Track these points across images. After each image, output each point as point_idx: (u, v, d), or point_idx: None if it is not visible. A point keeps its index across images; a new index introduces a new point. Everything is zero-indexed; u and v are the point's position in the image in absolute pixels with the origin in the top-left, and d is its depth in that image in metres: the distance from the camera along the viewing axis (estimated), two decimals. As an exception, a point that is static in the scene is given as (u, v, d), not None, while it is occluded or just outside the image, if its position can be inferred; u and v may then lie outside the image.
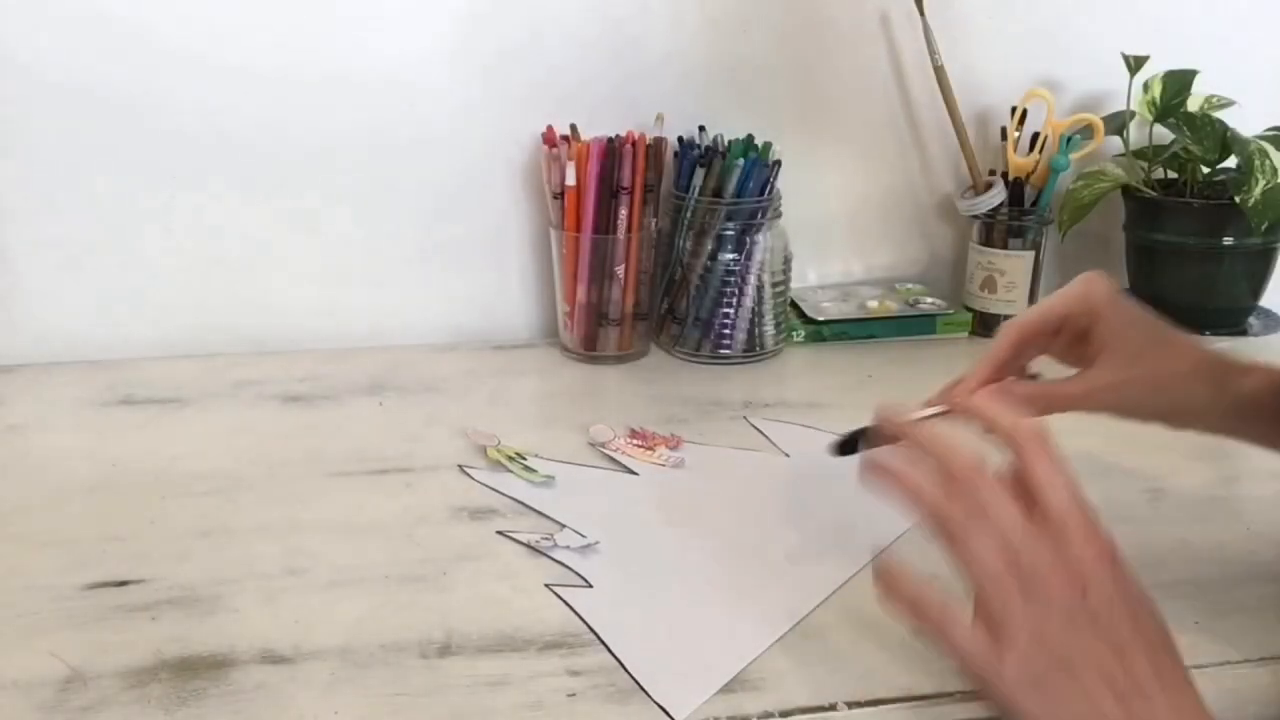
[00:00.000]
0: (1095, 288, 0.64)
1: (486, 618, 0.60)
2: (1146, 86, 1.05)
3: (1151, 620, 0.47)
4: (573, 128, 0.98)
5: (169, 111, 0.94)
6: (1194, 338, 0.65)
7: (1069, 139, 1.02)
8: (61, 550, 0.66)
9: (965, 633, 0.47)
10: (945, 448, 0.51)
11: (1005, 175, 1.05)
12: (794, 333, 1.03)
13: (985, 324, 1.06)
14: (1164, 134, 1.05)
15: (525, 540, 0.68)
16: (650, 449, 0.80)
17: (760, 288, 0.98)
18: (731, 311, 0.97)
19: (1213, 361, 0.64)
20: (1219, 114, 1.02)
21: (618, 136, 0.96)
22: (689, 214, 0.96)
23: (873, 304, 1.06)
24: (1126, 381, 0.63)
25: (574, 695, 0.54)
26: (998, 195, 1.03)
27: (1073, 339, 0.64)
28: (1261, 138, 0.98)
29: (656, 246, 0.99)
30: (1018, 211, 1.04)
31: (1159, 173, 1.06)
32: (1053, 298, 0.64)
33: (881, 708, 0.54)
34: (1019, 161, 1.04)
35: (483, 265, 1.03)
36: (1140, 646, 0.46)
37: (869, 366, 0.98)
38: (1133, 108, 1.05)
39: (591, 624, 0.59)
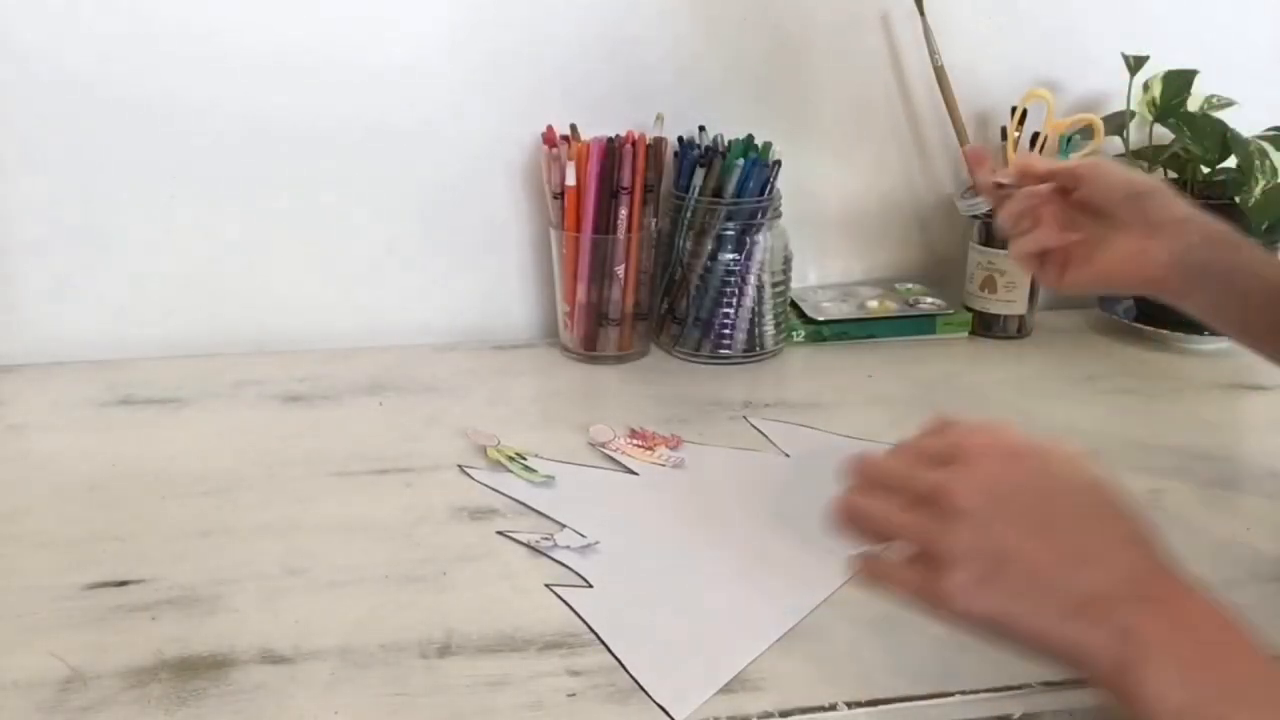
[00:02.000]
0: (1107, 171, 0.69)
1: (486, 618, 0.60)
2: (1146, 86, 1.05)
3: (1069, 498, 0.49)
4: (573, 128, 0.98)
5: (168, 112, 0.94)
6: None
7: (1069, 139, 1.02)
8: (61, 550, 0.66)
9: (907, 573, 0.48)
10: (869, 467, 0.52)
11: (1005, 175, 1.04)
12: (794, 333, 1.03)
13: (985, 324, 1.06)
14: (1164, 134, 1.05)
15: (525, 540, 0.68)
16: (650, 449, 0.80)
17: (760, 288, 0.98)
18: (731, 311, 0.97)
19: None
20: (1219, 114, 1.02)
21: (618, 136, 0.96)
22: (689, 214, 0.96)
23: (873, 304, 1.06)
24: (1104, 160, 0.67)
25: (574, 695, 0.54)
26: (998, 195, 1.03)
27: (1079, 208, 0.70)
28: (1261, 138, 0.98)
29: (656, 246, 0.99)
30: (1018, 211, 1.04)
31: (1159, 173, 1.06)
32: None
33: (881, 707, 0.54)
34: (1019, 161, 1.04)
35: (483, 265, 1.03)
36: (1067, 521, 0.47)
37: (869, 366, 0.98)
38: (1133, 108, 1.05)
39: (591, 624, 0.59)
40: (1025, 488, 0.48)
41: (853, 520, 0.50)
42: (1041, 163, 0.71)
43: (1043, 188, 0.71)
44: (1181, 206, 0.68)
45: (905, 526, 0.49)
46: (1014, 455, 0.50)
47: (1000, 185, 0.73)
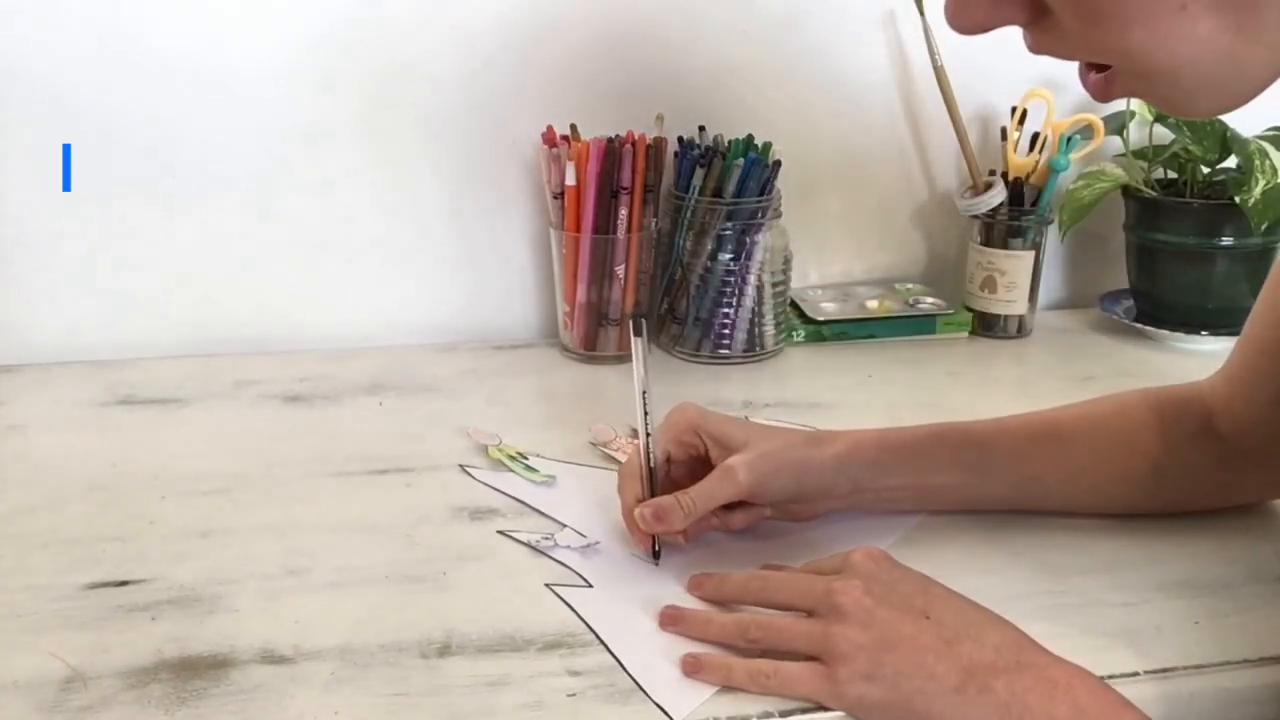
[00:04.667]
0: (685, 412, 0.68)
1: (486, 618, 0.60)
2: (1147, 86, 1.04)
3: (941, 588, 0.55)
4: (573, 128, 0.98)
5: (168, 114, 0.94)
6: (783, 427, 0.71)
7: (1069, 139, 1.02)
8: (61, 550, 0.66)
9: (797, 672, 0.53)
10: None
11: (1005, 175, 1.04)
12: (794, 333, 1.03)
13: (985, 324, 1.06)
14: (1164, 134, 1.05)
15: (525, 540, 0.68)
16: (650, 449, 0.80)
17: (760, 288, 0.98)
18: (731, 311, 0.97)
19: (808, 435, 0.69)
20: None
21: (618, 136, 0.96)
22: (689, 214, 0.96)
23: (873, 304, 1.06)
24: (753, 461, 0.64)
25: (574, 695, 0.54)
26: (998, 195, 1.03)
27: (693, 461, 0.68)
28: (1261, 138, 0.98)
29: (656, 246, 0.99)
30: (1018, 211, 1.04)
31: (1159, 173, 1.06)
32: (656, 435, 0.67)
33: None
34: (1019, 161, 1.04)
35: (483, 265, 1.03)
36: (941, 606, 0.54)
37: (869, 366, 0.98)
38: (1133, 108, 1.05)
39: (591, 624, 0.59)
40: (901, 581, 0.55)
41: (752, 639, 0.56)
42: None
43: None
44: (826, 476, 0.66)
45: (798, 635, 0.54)
46: (887, 558, 0.57)
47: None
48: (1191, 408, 0.69)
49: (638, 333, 0.63)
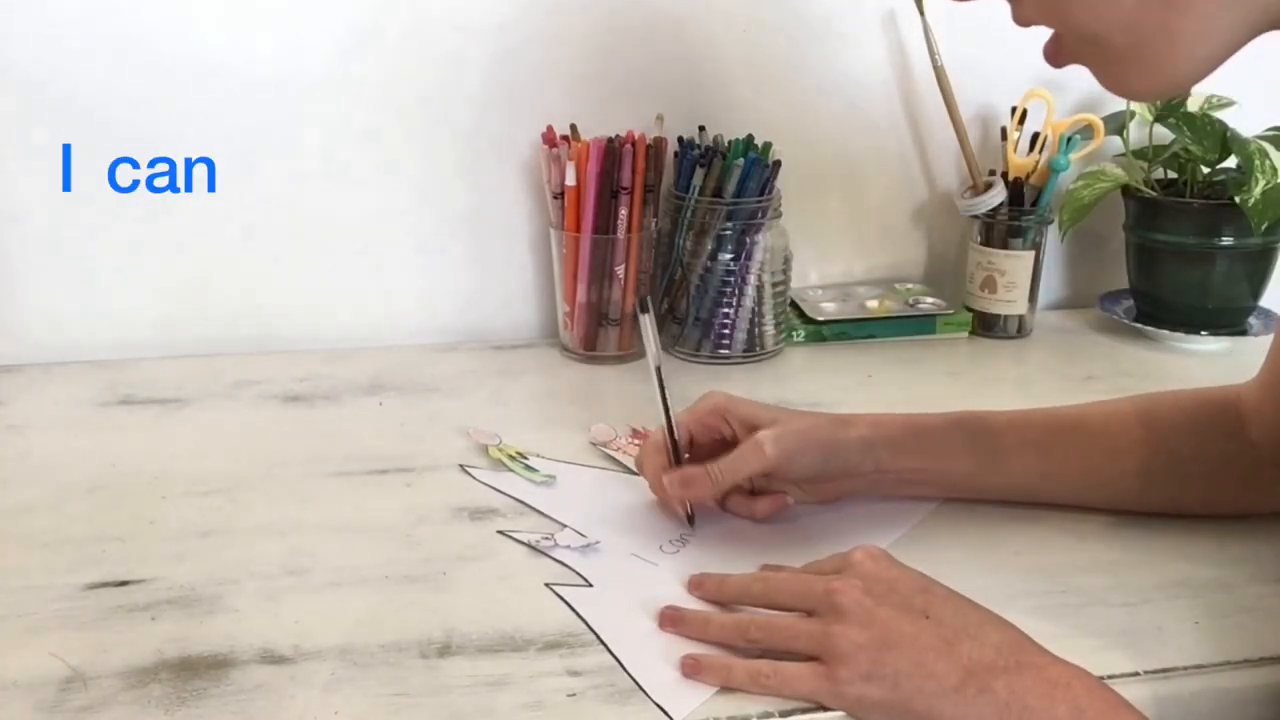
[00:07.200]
0: (712, 398, 0.70)
1: (486, 618, 0.60)
2: (1146, 86, 1.04)
3: (941, 588, 0.55)
4: (573, 128, 0.98)
5: (167, 115, 0.94)
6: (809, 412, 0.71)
7: (1069, 139, 1.02)
8: (61, 550, 0.66)
9: (797, 671, 0.53)
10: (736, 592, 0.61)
11: (1005, 175, 1.04)
12: (794, 333, 1.03)
13: (985, 324, 1.06)
14: (1164, 134, 1.05)
15: (525, 540, 0.68)
16: (650, 449, 0.80)
17: (760, 288, 0.98)
18: (731, 311, 0.97)
19: (832, 417, 0.70)
20: (1219, 114, 1.02)
21: (618, 136, 0.96)
22: (689, 214, 0.96)
23: (873, 304, 1.06)
24: (780, 435, 0.66)
25: (574, 695, 0.54)
26: (998, 195, 1.03)
27: (717, 444, 0.70)
28: (1261, 138, 0.98)
29: (656, 246, 0.99)
30: (1018, 211, 1.04)
31: (1159, 173, 1.06)
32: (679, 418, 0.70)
33: (881, 708, 0.54)
34: (1019, 161, 1.04)
35: (483, 265, 1.03)
36: (941, 606, 0.54)
37: (869, 366, 0.98)
38: (1133, 108, 1.05)
39: (591, 624, 0.59)
40: (901, 580, 0.55)
41: (752, 640, 0.56)
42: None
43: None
44: (852, 456, 0.68)
45: (798, 635, 0.54)
46: (886, 558, 0.57)
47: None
48: (1225, 411, 0.69)
49: (644, 310, 0.66)
